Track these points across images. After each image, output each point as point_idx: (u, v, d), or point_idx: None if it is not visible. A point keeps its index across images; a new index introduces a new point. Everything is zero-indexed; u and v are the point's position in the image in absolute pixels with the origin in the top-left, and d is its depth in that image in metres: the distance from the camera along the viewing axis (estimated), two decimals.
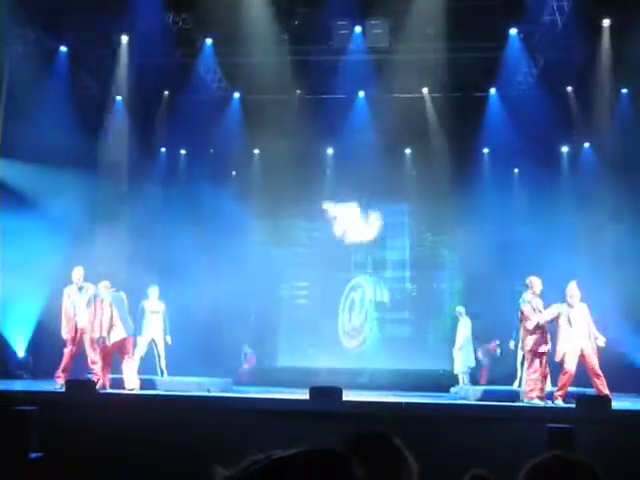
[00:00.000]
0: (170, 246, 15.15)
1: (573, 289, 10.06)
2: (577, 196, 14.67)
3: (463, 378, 13.62)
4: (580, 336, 9.84)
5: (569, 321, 9.91)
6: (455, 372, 13.82)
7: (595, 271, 12.07)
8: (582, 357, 9.87)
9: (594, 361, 9.80)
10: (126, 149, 14.96)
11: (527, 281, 10.42)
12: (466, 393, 11.62)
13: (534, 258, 13.66)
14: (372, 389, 12.84)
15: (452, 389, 13.43)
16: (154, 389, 11.19)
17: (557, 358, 10.05)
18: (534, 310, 10.22)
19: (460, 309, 14.06)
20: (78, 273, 11.12)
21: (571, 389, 10.42)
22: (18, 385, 11.47)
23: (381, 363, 15.74)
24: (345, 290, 17.05)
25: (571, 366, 9.84)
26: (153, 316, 12.40)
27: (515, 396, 10.67)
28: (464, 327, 13.80)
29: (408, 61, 13.79)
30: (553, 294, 10.61)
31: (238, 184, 16.74)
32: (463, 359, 13.63)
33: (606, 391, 9.64)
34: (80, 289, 11.05)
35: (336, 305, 16.87)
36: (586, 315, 9.97)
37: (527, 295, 10.29)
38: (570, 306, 9.97)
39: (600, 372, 9.81)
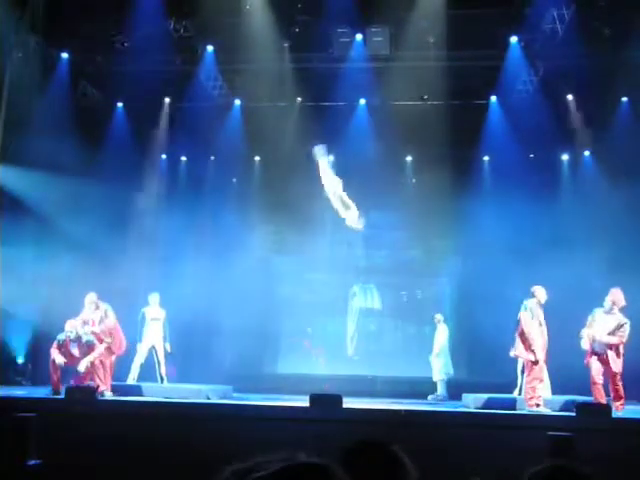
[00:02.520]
0: (170, 252, 15.16)
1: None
2: (577, 204, 14.67)
3: (439, 386, 13.61)
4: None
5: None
6: (434, 379, 13.82)
7: (595, 279, 12.06)
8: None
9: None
10: (127, 156, 14.96)
11: (532, 289, 10.40)
12: (466, 400, 11.61)
13: (534, 265, 13.65)
14: (372, 396, 12.82)
15: (429, 397, 13.46)
16: (154, 396, 11.17)
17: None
18: (532, 318, 10.21)
19: (439, 316, 14.06)
20: (70, 325, 11.09)
21: (573, 397, 10.43)
22: (17, 391, 11.44)
23: (380, 370, 15.70)
24: (349, 297, 17.07)
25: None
26: (153, 323, 12.39)
27: (516, 404, 10.65)
28: (442, 334, 13.82)
29: (409, 69, 13.81)
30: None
31: (239, 191, 16.75)
32: (440, 367, 13.64)
33: (602, 400, 9.70)
34: (72, 341, 11.03)
35: (335, 312, 16.85)
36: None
37: (530, 302, 10.27)
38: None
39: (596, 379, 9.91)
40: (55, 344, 10.89)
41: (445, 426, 9.00)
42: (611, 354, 9.84)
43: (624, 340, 9.86)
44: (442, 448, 8.03)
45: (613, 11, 12.57)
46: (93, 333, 11.06)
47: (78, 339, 10.93)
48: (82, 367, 10.78)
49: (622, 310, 10.04)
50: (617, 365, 9.84)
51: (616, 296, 10.09)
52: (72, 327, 10.98)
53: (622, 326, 9.86)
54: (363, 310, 16.98)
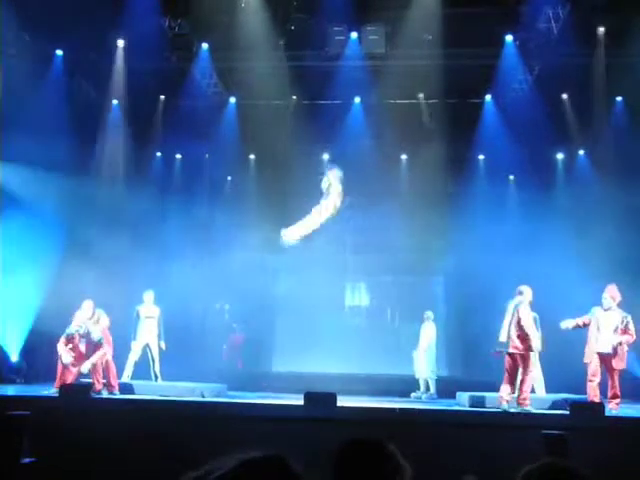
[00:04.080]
0: (165, 250, 15.14)
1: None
2: (572, 203, 14.71)
3: (429, 384, 13.57)
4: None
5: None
6: (417, 377, 13.76)
7: (591, 279, 12.09)
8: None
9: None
10: (122, 153, 14.94)
11: (521, 289, 10.39)
12: (461, 399, 11.63)
13: (528, 264, 13.67)
14: (367, 394, 12.82)
15: (412, 394, 13.45)
16: (148, 394, 11.16)
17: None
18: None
19: (429, 314, 13.97)
20: (80, 320, 11.14)
21: (566, 395, 10.44)
22: (11, 390, 11.42)
23: (374, 369, 15.70)
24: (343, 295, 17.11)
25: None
26: (148, 321, 12.37)
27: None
28: (430, 331, 13.74)
29: (404, 67, 13.81)
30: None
31: (233, 189, 16.74)
32: (427, 364, 13.58)
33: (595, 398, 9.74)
34: (82, 336, 11.05)
35: (330, 310, 16.84)
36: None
37: (520, 300, 10.29)
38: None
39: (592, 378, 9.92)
40: (63, 339, 10.86)
41: (439, 424, 9.01)
42: (617, 352, 9.85)
43: (635, 336, 9.89)
44: (436, 446, 8.04)
45: (608, 10, 12.60)
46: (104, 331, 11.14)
47: (87, 335, 10.93)
48: (85, 369, 10.80)
49: (620, 305, 10.08)
50: (622, 363, 9.86)
51: (612, 292, 10.12)
52: (82, 322, 10.98)
53: (628, 322, 9.89)
54: (358, 308, 16.98)
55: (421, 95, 15.09)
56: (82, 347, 10.92)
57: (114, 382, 11.19)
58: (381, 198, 16.06)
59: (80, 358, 10.91)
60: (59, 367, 10.87)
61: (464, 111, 14.84)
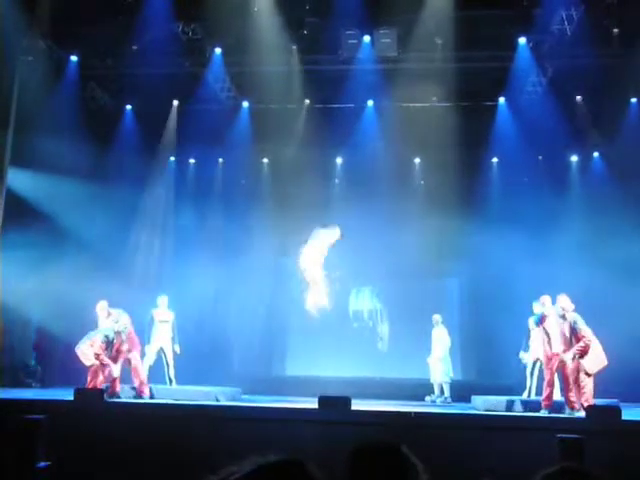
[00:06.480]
0: (179, 254, 15.18)
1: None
2: (587, 205, 14.62)
3: (443, 388, 13.50)
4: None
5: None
6: (431, 381, 13.67)
7: (606, 281, 12.02)
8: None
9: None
10: (135, 158, 15.00)
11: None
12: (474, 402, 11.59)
13: (543, 268, 13.61)
14: (381, 398, 12.80)
15: (427, 398, 13.41)
16: (163, 398, 11.19)
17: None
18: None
19: (437, 317, 13.89)
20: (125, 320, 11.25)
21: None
22: (27, 393, 11.48)
23: (388, 372, 15.66)
24: (356, 299, 17.05)
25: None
26: (162, 325, 12.41)
27: (525, 406, 10.63)
28: (443, 336, 13.65)
29: (417, 70, 13.80)
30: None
31: (247, 193, 16.76)
32: (444, 369, 13.50)
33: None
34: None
35: (343, 314, 16.81)
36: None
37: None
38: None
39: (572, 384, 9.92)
40: (102, 345, 10.88)
41: (454, 428, 8.98)
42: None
43: (588, 336, 9.84)
44: (451, 450, 8.01)
45: (622, 11, 12.54)
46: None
47: (122, 333, 11.08)
48: (118, 372, 10.97)
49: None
50: (590, 364, 9.83)
51: (563, 302, 10.07)
52: (126, 322, 11.10)
53: (575, 328, 9.85)
54: (371, 312, 16.92)
55: (434, 99, 15.06)
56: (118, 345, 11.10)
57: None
58: (394, 201, 16.02)
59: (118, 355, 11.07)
60: (96, 370, 10.95)
61: (477, 114, 14.79)
